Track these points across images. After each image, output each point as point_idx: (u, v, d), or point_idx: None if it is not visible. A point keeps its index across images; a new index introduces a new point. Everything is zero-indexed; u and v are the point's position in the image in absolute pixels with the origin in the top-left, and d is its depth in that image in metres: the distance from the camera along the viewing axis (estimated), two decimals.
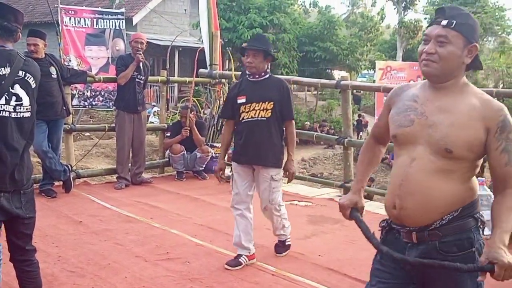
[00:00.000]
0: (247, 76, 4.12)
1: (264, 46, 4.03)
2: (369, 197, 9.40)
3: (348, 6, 43.37)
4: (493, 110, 1.95)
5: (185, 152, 7.09)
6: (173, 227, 5.00)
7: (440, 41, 1.96)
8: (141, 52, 6.44)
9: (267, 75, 4.09)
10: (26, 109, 2.77)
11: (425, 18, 30.00)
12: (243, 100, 4.03)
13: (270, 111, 3.99)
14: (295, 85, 18.46)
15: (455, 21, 1.95)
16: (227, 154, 4.51)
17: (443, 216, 1.96)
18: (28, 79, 2.79)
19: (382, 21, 31.16)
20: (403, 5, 29.44)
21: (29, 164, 2.85)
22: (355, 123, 19.37)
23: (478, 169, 2.03)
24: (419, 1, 29.91)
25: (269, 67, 4.17)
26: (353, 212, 2.19)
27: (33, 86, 2.82)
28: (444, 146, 1.95)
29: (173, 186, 6.80)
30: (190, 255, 4.28)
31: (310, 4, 37.11)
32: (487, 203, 4.96)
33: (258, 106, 3.99)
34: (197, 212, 5.52)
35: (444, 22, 1.96)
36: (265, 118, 3.99)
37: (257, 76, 4.06)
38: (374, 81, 21.12)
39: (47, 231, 4.71)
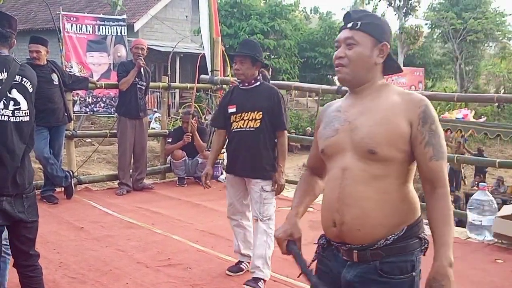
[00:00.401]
0: (238, 84, 3.99)
1: (251, 51, 3.80)
2: None
3: None
4: (413, 102, 1.86)
5: (187, 158, 7.09)
6: (174, 233, 5.00)
7: (348, 44, 1.92)
8: (142, 58, 6.46)
9: (258, 83, 3.89)
10: (25, 113, 2.79)
11: (426, 24, 30.13)
12: (233, 110, 3.87)
13: (259, 121, 3.79)
14: (296, 91, 18.48)
15: (360, 22, 1.92)
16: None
17: (387, 235, 1.84)
18: (25, 84, 2.80)
19: None
20: (404, 11, 29.49)
21: (30, 168, 2.86)
22: None
23: (412, 176, 1.91)
24: (419, 7, 29.96)
25: (259, 74, 3.93)
26: (289, 246, 2.02)
27: (30, 90, 2.83)
28: (366, 147, 1.85)
29: (175, 192, 6.80)
30: (191, 261, 4.27)
31: (311, 10, 37.23)
32: (489, 208, 4.96)
33: (247, 115, 3.82)
34: (198, 218, 5.52)
35: (350, 25, 1.93)
36: (253, 129, 3.79)
37: (246, 84, 3.88)
38: None
39: (48, 237, 4.70)
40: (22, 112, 2.77)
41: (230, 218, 4.05)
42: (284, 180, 3.86)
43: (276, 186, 3.83)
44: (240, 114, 3.83)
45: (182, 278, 3.92)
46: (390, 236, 1.84)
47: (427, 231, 1.88)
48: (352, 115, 1.93)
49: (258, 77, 3.91)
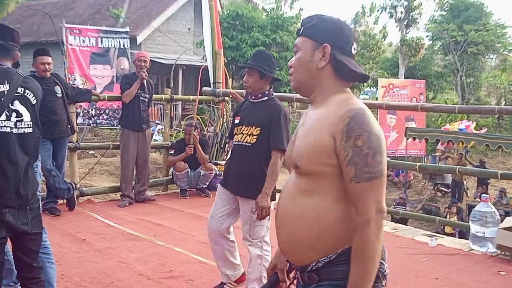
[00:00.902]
0: (249, 96, 3.82)
1: (259, 63, 3.59)
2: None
3: (351, 24, 43.72)
4: (339, 114, 1.65)
5: (189, 169, 7.10)
6: (176, 245, 4.99)
7: (295, 51, 1.83)
8: (144, 70, 6.50)
9: (265, 98, 3.68)
10: (27, 125, 2.80)
11: (427, 36, 30.21)
12: (237, 121, 3.76)
13: (255, 137, 3.60)
14: (298, 103, 18.51)
15: (303, 27, 1.80)
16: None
17: (319, 258, 1.68)
18: (27, 96, 2.82)
19: (384, 39, 31.27)
20: (405, 23, 29.65)
21: (34, 180, 2.87)
22: None
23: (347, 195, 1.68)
24: (421, 19, 30.14)
25: (270, 87, 3.73)
26: (271, 278, 1.97)
27: (34, 102, 2.84)
28: (293, 161, 1.75)
29: (177, 203, 6.80)
30: (193, 273, 4.27)
31: None
32: (491, 220, 4.95)
33: (246, 130, 3.66)
34: (200, 230, 5.51)
35: (299, 32, 1.83)
36: (249, 144, 3.62)
37: (253, 97, 3.72)
38: (376, 99, 21.18)
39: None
40: (24, 124, 2.78)
41: (209, 232, 3.80)
42: (267, 203, 3.47)
43: (257, 207, 3.48)
44: (241, 127, 3.71)
45: None
46: (321, 259, 1.68)
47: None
48: (300, 127, 1.84)
49: (267, 92, 3.70)
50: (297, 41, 1.83)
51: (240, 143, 3.68)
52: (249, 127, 3.65)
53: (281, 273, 1.94)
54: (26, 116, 2.80)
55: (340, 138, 1.63)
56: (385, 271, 1.71)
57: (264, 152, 3.58)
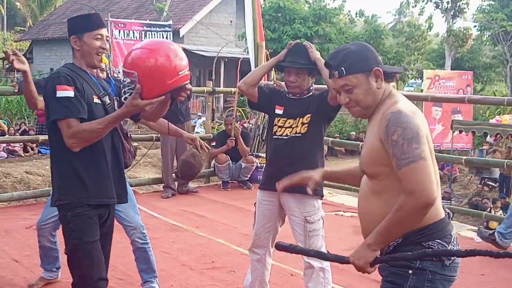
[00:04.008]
0: (286, 94, 3.39)
1: (309, 62, 3.23)
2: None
3: (395, 15, 42.90)
4: (381, 119, 1.92)
5: (230, 162, 7.14)
6: (218, 236, 5.03)
7: (347, 90, 2.01)
8: None
9: (310, 93, 3.34)
10: None
11: (475, 26, 29.32)
12: (280, 112, 3.34)
13: (306, 125, 3.26)
14: None
15: (343, 68, 1.98)
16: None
17: (389, 242, 1.93)
18: None
19: (430, 30, 30.53)
20: (452, 13, 28.83)
21: None
22: None
23: None
24: (468, 9, 29.30)
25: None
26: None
27: None
28: (361, 166, 2.07)
29: (219, 195, 6.85)
30: (235, 264, 4.30)
31: (356, 14, 36.81)
32: None
33: (294, 122, 3.29)
34: (242, 222, 5.54)
35: (337, 74, 2.00)
36: (300, 135, 3.27)
37: (297, 95, 3.33)
38: (421, 91, 20.75)
39: None
40: None
41: (252, 252, 3.42)
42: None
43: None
44: (284, 120, 3.31)
45: (226, 281, 3.94)
46: (391, 244, 1.93)
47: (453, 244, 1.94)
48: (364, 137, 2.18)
49: (311, 86, 3.38)
50: (345, 81, 1.99)
51: (288, 136, 3.28)
52: (296, 119, 3.28)
53: (311, 181, 2.33)
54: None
55: (384, 138, 1.89)
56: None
57: (317, 140, 3.32)
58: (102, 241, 2.76)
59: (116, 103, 2.72)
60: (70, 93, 2.47)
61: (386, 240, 1.90)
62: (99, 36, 2.62)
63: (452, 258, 1.93)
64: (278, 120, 3.33)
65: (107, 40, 2.71)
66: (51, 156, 2.68)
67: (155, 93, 2.43)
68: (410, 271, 1.90)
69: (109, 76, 2.91)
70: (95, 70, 2.75)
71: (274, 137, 3.35)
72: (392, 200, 1.88)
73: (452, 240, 1.95)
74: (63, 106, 2.45)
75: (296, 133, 3.27)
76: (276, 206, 3.32)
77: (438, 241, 1.90)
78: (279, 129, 3.32)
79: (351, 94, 2.01)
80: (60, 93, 2.46)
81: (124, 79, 2.50)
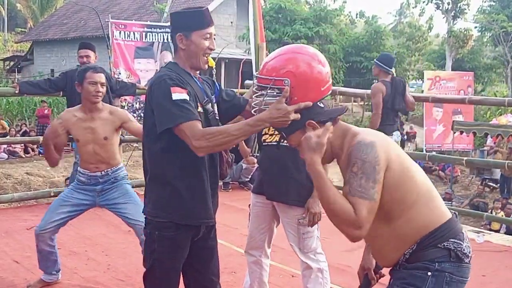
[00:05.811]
0: None
1: None
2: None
3: (395, 16, 42.95)
4: (346, 157, 1.94)
5: None
6: (219, 237, 4.95)
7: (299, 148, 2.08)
8: None
9: None
10: None
11: (476, 27, 29.32)
12: None
13: None
14: (341, 96, 18.34)
15: (283, 132, 2.15)
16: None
17: (404, 252, 1.95)
18: None
19: (431, 31, 30.55)
20: (452, 14, 28.83)
21: None
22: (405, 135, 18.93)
23: (405, 200, 1.93)
24: (469, 10, 29.26)
25: None
26: (364, 279, 2.23)
27: None
28: None
29: (219, 196, 6.81)
30: (236, 265, 4.29)
31: (356, 15, 36.88)
32: None
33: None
34: (243, 223, 5.50)
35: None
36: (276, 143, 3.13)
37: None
38: (422, 91, 20.73)
39: (97, 240, 4.82)
40: None
41: (248, 253, 3.42)
42: (319, 208, 3.04)
43: (308, 214, 3.09)
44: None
45: (227, 282, 3.93)
46: (406, 252, 1.95)
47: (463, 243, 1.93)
48: None
49: None
50: (292, 142, 2.12)
51: (278, 142, 3.07)
52: None
53: (370, 272, 2.21)
54: None
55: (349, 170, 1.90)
56: (463, 250, 1.91)
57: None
58: (206, 256, 2.68)
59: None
60: (185, 95, 2.21)
61: (316, 184, 1.94)
62: (208, 35, 2.33)
63: (469, 255, 1.94)
64: (269, 129, 3.22)
65: (214, 39, 2.39)
66: (149, 171, 2.42)
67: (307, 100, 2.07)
68: (429, 273, 1.90)
69: (214, 80, 2.60)
70: (197, 72, 2.44)
71: (264, 144, 3.31)
72: (392, 221, 1.93)
73: (465, 237, 1.96)
74: (184, 109, 2.18)
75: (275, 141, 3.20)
76: (269, 208, 3.30)
77: (453, 240, 1.92)
78: (269, 136, 3.27)
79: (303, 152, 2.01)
80: (176, 96, 2.19)
81: (260, 89, 2.09)
